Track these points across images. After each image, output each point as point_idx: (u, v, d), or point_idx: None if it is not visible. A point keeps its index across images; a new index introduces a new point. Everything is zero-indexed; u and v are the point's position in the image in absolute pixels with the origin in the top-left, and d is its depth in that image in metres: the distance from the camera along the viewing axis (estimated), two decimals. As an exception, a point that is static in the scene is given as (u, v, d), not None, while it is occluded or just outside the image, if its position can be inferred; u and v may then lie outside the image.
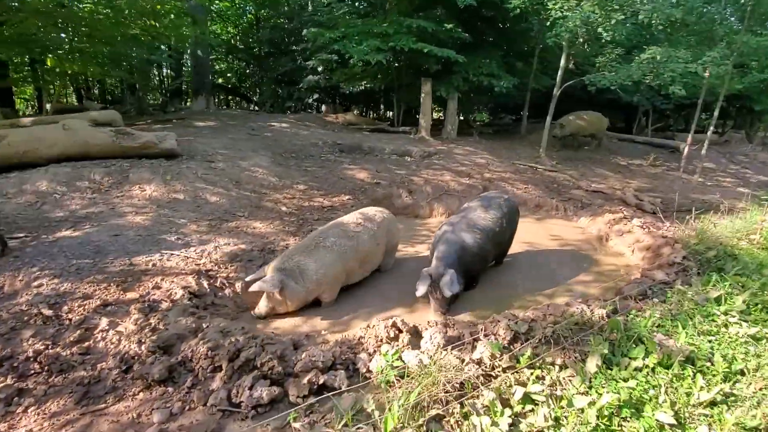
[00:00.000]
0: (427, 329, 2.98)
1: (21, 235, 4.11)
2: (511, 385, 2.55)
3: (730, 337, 3.05)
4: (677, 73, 7.58)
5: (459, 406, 2.33)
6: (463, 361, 2.74)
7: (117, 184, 5.38)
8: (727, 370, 2.67)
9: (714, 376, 2.66)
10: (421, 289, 3.69)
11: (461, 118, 14.58)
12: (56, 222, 4.47)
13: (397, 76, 12.18)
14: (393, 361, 2.53)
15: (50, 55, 8.58)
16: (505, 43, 12.48)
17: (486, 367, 2.69)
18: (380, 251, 4.36)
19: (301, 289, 3.56)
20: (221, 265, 3.96)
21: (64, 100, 18.27)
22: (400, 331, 2.98)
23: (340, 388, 2.49)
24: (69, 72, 9.33)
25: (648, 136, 15.13)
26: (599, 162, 11.68)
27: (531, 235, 6.31)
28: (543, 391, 2.52)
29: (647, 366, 2.68)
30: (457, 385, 2.51)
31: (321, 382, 2.49)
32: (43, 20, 7.22)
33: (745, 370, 2.74)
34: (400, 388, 2.42)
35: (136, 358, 2.68)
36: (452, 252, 3.96)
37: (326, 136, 9.29)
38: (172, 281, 3.56)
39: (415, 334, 3.01)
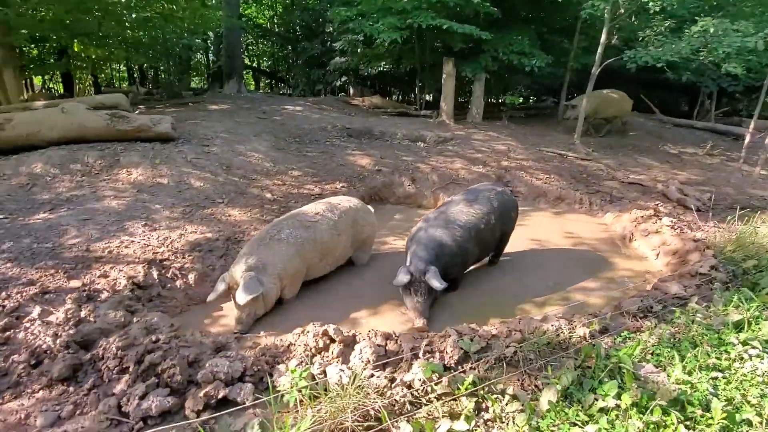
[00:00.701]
0: (361, 340, 2.62)
1: (1, 216, 4.20)
2: (438, 417, 2.15)
3: (743, 376, 2.42)
4: (733, 48, 6.41)
5: (363, 440, 1.98)
6: (393, 381, 2.37)
7: (107, 168, 5.43)
8: (725, 420, 2.09)
9: (707, 427, 2.10)
10: (399, 280, 3.37)
11: (494, 101, 13.69)
12: (39, 204, 4.55)
13: (420, 56, 11.54)
14: (300, 378, 2.21)
15: (76, 41, 8.90)
16: (541, 17, 11.39)
17: (418, 391, 2.30)
18: (344, 243, 4.02)
19: (271, 285, 3.33)
20: (179, 255, 3.82)
21: (117, 84, 19.44)
22: (333, 341, 2.64)
23: (244, 404, 2.22)
24: (93, 56, 9.68)
25: (711, 121, 13.39)
26: (646, 150, 10.47)
27: (542, 231, 5.68)
28: (476, 429, 2.10)
29: (618, 407, 2.16)
30: (373, 413, 2.15)
31: (221, 395, 2.23)
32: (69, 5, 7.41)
33: (754, 422, 2.14)
34: (304, 411, 2.11)
35: (48, 352, 2.57)
36: (430, 251, 3.55)
37: (337, 120, 8.99)
38: (121, 270, 3.45)
39: (351, 345, 2.66)
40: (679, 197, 6.73)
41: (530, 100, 17.40)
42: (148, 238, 4.00)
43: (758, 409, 2.20)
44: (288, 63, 21.07)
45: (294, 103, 10.62)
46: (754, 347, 2.61)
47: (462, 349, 2.50)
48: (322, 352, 2.60)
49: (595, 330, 2.84)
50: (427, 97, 15.18)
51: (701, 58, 7.16)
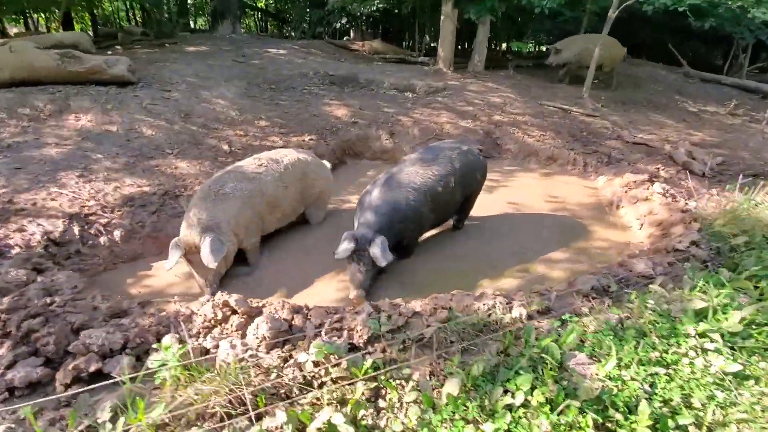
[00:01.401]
0: (261, 315, 2.38)
1: (-67, 162, 3.99)
2: (327, 404, 1.93)
3: (691, 374, 2.12)
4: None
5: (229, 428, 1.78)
6: (286, 361, 2.15)
7: (57, 113, 5.11)
8: (650, 428, 1.82)
9: (628, 433, 1.84)
10: (342, 251, 3.08)
11: (503, 48, 12.61)
12: (-23, 150, 4.30)
13: (420, -6, 10.50)
14: (175, 355, 1.99)
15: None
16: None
17: (311, 374, 2.07)
18: (292, 197, 3.76)
19: (229, 243, 3.12)
20: (108, 209, 3.58)
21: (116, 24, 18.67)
22: (234, 312, 2.41)
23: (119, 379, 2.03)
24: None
25: (742, 77, 12.17)
26: (662, 107, 9.61)
27: (524, 193, 5.26)
28: (362, 420, 1.88)
29: (528, 404, 1.90)
30: (252, 397, 1.94)
31: (93, 369, 2.05)
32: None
33: (691, 430, 1.87)
34: (183, 391, 1.91)
35: (-70, 312, 2.40)
36: (379, 217, 3.22)
37: (322, 66, 8.35)
38: (40, 224, 3.24)
39: (255, 318, 2.43)
40: (686, 161, 6.14)
41: (543, 48, 15.93)
42: (80, 190, 3.75)
43: (699, 415, 1.92)
44: (290, 3, 19.75)
45: (279, 47, 9.91)
46: (713, 341, 2.28)
47: (370, 328, 2.24)
48: (222, 324, 2.38)
49: (534, 311, 2.54)
50: (433, 44, 14.08)
51: (728, 2, 6.21)
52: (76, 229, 3.29)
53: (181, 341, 2.26)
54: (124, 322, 2.36)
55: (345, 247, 3.10)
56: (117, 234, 3.43)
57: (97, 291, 2.73)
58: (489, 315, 2.47)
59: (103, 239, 3.36)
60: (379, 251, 3.02)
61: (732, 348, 2.28)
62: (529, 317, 2.50)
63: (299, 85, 7.37)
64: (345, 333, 2.29)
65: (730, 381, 2.10)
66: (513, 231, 4.27)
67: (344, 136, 5.98)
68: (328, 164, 4.30)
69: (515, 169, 6.13)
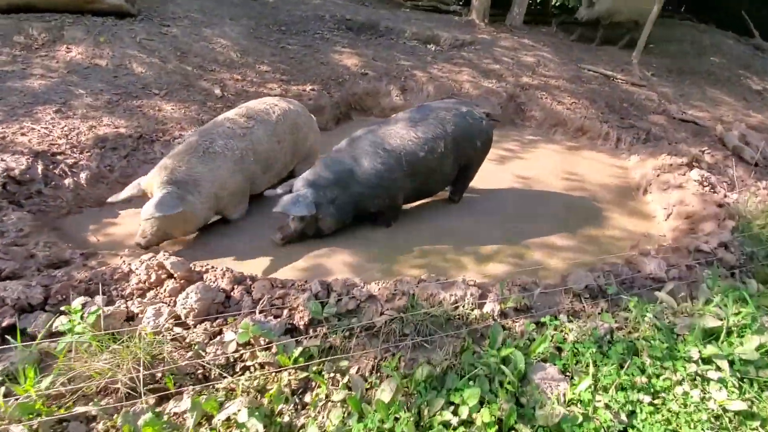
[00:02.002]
0: (202, 281, 2.15)
1: None
2: (241, 393, 1.72)
3: (682, 406, 1.78)
4: None
5: (119, 411, 1.60)
6: (212, 338, 1.93)
7: (50, 42, 4.88)
8: (614, 471, 1.52)
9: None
10: (270, 193, 3.17)
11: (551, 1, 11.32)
12: (-37, 78, 4.16)
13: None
14: (84, 320, 1.80)
15: None
16: None
17: (233, 355, 1.86)
18: (285, 152, 3.48)
19: (199, 205, 2.87)
20: (77, 149, 3.39)
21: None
22: (170, 276, 2.20)
23: (35, 337, 1.88)
24: None
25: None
26: (722, 82, 8.48)
27: (540, 168, 4.74)
28: (276, 418, 1.67)
29: (472, 422, 1.63)
30: (159, 375, 1.74)
31: (5, 324, 1.89)
32: None
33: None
34: (93, 359, 1.74)
35: None
36: (327, 174, 2.94)
37: (341, 9, 7.68)
38: (3, 159, 3.09)
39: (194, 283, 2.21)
40: (737, 145, 5.36)
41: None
42: (53, 126, 3.56)
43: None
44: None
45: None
46: (719, 368, 1.90)
47: (310, 311, 1.97)
48: (157, 288, 2.17)
49: (510, 308, 2.20)
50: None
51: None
52: (39, 168, 3.12)
53: (110, 302, 2.08)
54: (57, 274, 2.19)
55: (276, 191, 3.09)
56: (83, 176, 3.25)
57: (44, 237, 2.58)
58: (455, 308, 2.15)
59: (68, 181, 3.19)
60: (287, 200, 2.84)
61: (741, 380, 1.89)
62: (503, 314, 2.17)
63: (312, 29, 6.81)
64: (286, 312, 2.04)
65: (729, 419, 1.74)
66: (516, 209, 3.84)
67: (351, 89, 5.52)
68: (313, 117, 3.95)
69: (537, 140, 5.54)
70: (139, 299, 2.06)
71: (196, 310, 1.97)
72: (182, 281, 2.17)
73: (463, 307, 2.16)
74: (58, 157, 3.28)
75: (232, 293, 2.15)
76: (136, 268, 2.27)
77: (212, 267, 2.31)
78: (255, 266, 2.77)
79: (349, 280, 2.27)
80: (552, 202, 4.05)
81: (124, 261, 2.36)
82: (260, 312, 2.00)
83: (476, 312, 2.13)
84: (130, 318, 2.01)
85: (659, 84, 7.60)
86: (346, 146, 3.10)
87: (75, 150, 3.38)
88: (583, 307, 2.30)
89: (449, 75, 6.09)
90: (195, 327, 1.95)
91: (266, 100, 3.56)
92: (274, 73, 5.36)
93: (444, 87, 5.78)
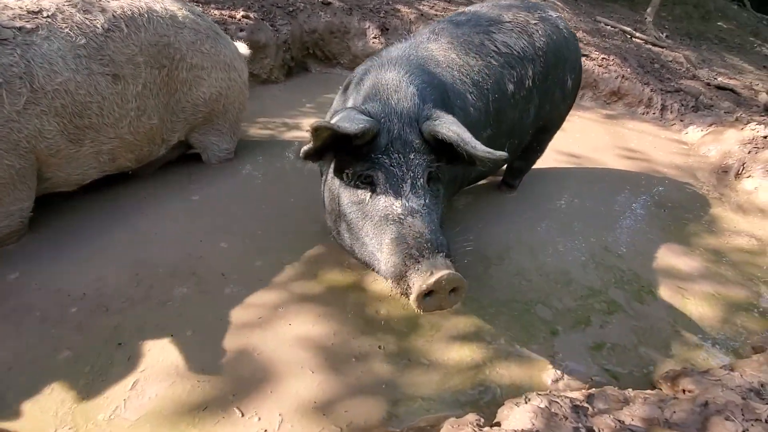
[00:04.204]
0: None
1: None
2: None
3: None
4: None
5: None
6: None
7: None
8: None
9: None
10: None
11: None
12: None
13: None
14: None
15: None
16: None
17: None
18: (141, 104, 1.81)
19: None
20: None
21: None
22: None
23: None
24: None
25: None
26: (736, 48, 7.63)
27: (585, 142, 3.41)
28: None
29: None
30: None
31: None
32: None
33: None
34: None
35: None
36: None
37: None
38: None
39: None
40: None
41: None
42: None
43: None
44: None
45: None
46: None
47: None
48: None
49: None
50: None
51: None
52: None
53: None
54: None
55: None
56: None
57: None
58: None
59: None
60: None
61: None
62: None
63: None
64: None
65: None
66: (591, 204, 2.45)
67: (307, 24, 3.82)
68: (244, 48, 2.28)
69: (564, 105, 4.17)
70: None
71: None
72: None
73: None
74: None
75: None
76: None
77: None
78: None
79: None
80: (630, 192, 2.70)
81: None
82: None
83: None
84: None
85: (677, 47, 6.52)
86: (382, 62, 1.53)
87: None
88: None
89: (444, 14, 4.53)
90: None
91: None
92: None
93: (440, 29, 4.23)
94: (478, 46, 1.68)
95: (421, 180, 1.21)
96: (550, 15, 1.94)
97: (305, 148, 1.15)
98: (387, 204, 1.18)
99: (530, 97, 1.81)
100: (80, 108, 1.62)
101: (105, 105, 1.69)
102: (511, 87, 1.69)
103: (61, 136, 1.61)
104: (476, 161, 1.19)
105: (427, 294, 1.07)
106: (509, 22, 1.79)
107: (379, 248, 1.17)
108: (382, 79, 1.37)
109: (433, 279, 1.03)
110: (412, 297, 1.07)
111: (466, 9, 2.03)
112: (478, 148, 1.15)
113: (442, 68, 1.56)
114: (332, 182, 1.36)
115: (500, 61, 1.69)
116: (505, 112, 1.71)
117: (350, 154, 1.24)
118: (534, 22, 1.83)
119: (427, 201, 1.19)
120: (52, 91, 1.53)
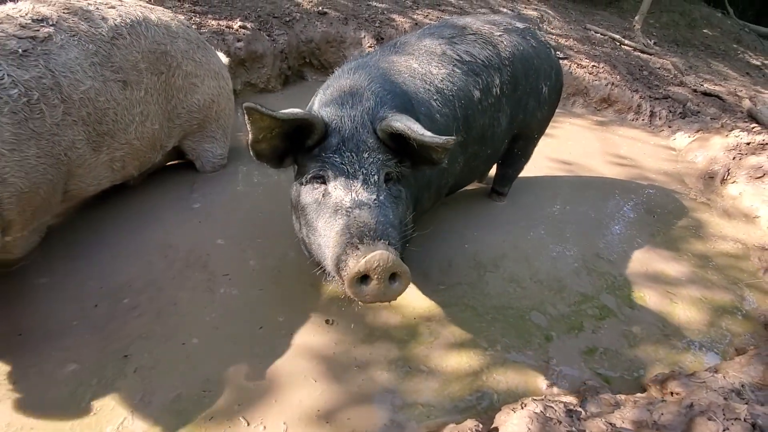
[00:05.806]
0: None
1: None
2: None
3: None
4: None
5: None
6: None
7: None
8: None
9: None
10: None
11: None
12: None
13: None
14: None
15: None
16: None
17: None
18: (144, 110, 1.85)
19: None
20: None
21: None
22: None
23: None
24: None
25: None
26: (721, 55, 7.81)
27: (576, 149, 3.49)
28: None
29: None
30: None
31: None
32: None
33: None
34: None
35: None
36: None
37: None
38: None
39: None
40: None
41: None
42: None
43: None
44: None
45: None
46: None
47: None
48: None
49: None
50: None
51: None
52: None
53: None
54: None
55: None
56: None
57: None
58: None
59: None
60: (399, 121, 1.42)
61: None
62: None
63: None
64: None
65: None
66: (584, 211, 2.51)
67: (303, 33, 3.87)
68: (224, 57, 2.32)
69: (555, 113, 4.25)
70: None
71: None
72: None
73: None
74: None
75: None
76: None
77: None
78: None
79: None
80: (621, 199, 2.77)
81: None
82: None
83: None
84: None
85: (665, 54, 6.67)
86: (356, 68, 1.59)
87: None
88: None
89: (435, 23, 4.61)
90: None
91: None
92: (198, 6, 3.57)
93: (433, 37, 4.30)
94: (440, 55, 1.73)
95: (375, 177, 1.23)
96: (517, 26, 2.00)
97: (249, 139, 1.20)
98: (337, 200, 1.19)
99: (499, 105, 1.86)
100: (101, 115, 1.66)
101: (118, 110, 1.72)
102: (477, 94, 1.74)
103: (87, 145, 1.64)
104: (429, 152, 1.21)
105: (362, 280, 1.04)
106: (473, 33, 1.85)
107: (327, 243, 1.17)
108: (340, 86, 1.43)
109: (363, 260, 1.00)
110: (346, 281, 1.04)
111: (432, 24, 2.08)
112: (426, 134, 1.15)
113: (405, 77, 1.60)
114: (294, 188, 1.41)
115: (463, 68, 1.73)
116: (474, 117, 1.76)
117: (307, 157, 1.29)
118: (499, 33, 1.89)
119: (381, 198, 1.20)
120: (79, 100, 1.57)
